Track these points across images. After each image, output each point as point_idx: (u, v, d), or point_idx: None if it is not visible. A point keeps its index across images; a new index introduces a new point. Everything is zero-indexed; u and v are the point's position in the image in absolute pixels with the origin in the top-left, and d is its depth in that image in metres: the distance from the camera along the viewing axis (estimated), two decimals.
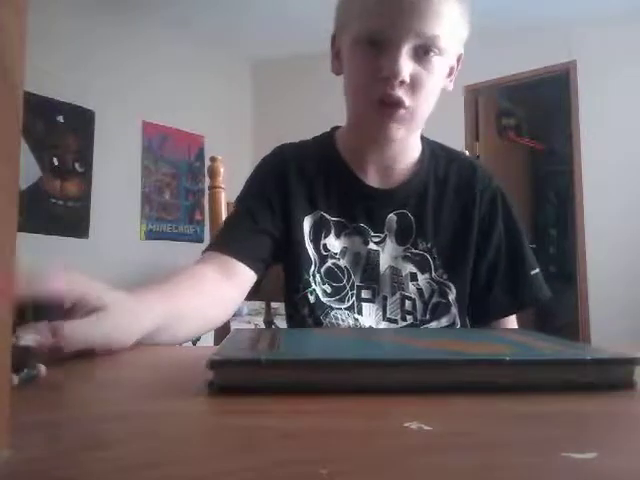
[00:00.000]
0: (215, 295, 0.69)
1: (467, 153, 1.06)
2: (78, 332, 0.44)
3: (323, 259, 0.81)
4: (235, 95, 4.62)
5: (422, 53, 0.72)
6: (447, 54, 0.75)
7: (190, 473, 0.20)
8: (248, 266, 0.76)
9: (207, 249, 0.79)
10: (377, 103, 0.73)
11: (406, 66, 0.71)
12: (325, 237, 0.82)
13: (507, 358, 0.34)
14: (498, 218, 0.84)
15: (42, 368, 0.36)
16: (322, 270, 0.81)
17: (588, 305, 3.68)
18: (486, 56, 3.94)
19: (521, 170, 4.67)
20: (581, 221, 3.76)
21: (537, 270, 0.84)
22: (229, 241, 0.78)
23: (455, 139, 3.76)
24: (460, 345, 0.43)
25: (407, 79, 0.71)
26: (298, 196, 0.83)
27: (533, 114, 4.85)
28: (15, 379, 0.33)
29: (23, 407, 0.28)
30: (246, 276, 0.76)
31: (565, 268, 4.69)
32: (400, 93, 0.72)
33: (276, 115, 4.54)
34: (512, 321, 0.86)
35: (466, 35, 0.79)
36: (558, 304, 4.34)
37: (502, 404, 0.31)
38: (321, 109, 4.45)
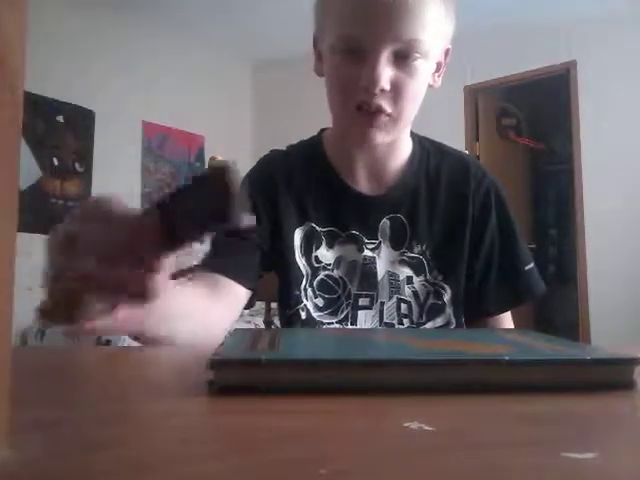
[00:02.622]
0: (202, 320, 0.67)
1: (467, 153, 1.05)
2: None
3: (315, 272, 0.80)
4: (235, 95, 4.63)
5: (403, 58, 0.70)
6: (431, 55, 0.73)
7: (190, 473, 0.20)
8: (240, 283, 0.74)
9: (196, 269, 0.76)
10: (356, 110, 0.72)
11: (385, 73, 0.69)
12: (316, 249, 0.80)
13: (507, 358, 0.34)
14: (492, 213, 0.83)
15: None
16: (314, 283, 0.80)
17: (588, 305, 3.68)
18: (486, 56, 3.94)
19: (521, 170, 4.66)
20: (581, 221, 3.76)
21: (532, 265, 0.83)
22: (218, 259, 0.73)
23: (455, 139, 3.75)
24: (460, 345, 0.43)
25: (387, 87, 0.69)
26: (288, 209, 0.81)
27: (533, 114, 4.85)
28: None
29: (23, 407, 0.28)
30: (238, 294, 0.74)
31: (565, 268, 4.70)
32: (380, 101, 0.70)
33: (276, 115, 4.54)
34: (508, 319, 0.85)
35: (452, 29, 0.76)
36: (558, 304, 4.34)
37: (502, 404, 0.31)
38: (321, 109, 4.43)
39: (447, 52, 0.79)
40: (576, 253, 3.84)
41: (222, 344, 0.39)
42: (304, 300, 0.79)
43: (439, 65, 0.79)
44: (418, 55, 0.70)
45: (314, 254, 0.80)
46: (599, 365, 0.34)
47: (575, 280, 3.86)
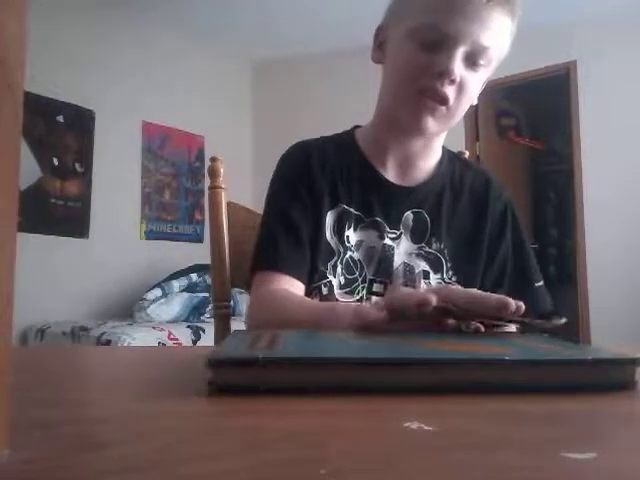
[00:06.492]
0: None
1: (467, 153, 1.06)
2: None
3: (345, 251, 0.83)
4: (235, 95, 4.62)
5: (472, 60, 0.74)
6: (490, 67, 0.77)
7: (190, 473, 0.20)
8: (302, 282, 0.80)
9: (263, 266, 0.80)
10: (419, 94, 0.75)
11: (459, 67, 0.73)
12: (348, 229, 0.83)
13: (507, 358, 0.34)
14: (507, 229, 0.86)
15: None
16: (343, 261, 0.82)
17: (588, 305, 3.68)
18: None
19: (521, 170, 4.66)
20: (581, 221, 3.75)
21: (541, 282, 0.86)
22: (284, 260, 0.79)
23: (455, 139, 3.75)
24: (461, 345, 0.43)
25: (458, 79, 0.74)
26: (321, 191, 0.83)
27: (533, 114, 4.85)
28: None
29: (23, 407, 0.28)
30: (302, 292, 0.80)
31: (565, 268, 4.69)
32: (448, 90, 0.74)
33: (276, 115, 4.54)
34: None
35: (505, 55, 0.81)
36: (558, 305, 4.33)
37: (502, 404, 0.31)
38: (321, 109, 4.46)
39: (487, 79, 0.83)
40: (576, 253, 3.84)
41: (222, 344, 0.39)
42: (329, 276, 0.81)
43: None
44: (483, 63, 0.75)
45: (346, 234, 0.83)
46: (599, 365, 0.34)
47: (575, 280, 3.86)
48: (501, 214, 0.87)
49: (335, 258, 0.82)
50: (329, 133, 0.93)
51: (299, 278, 0.78)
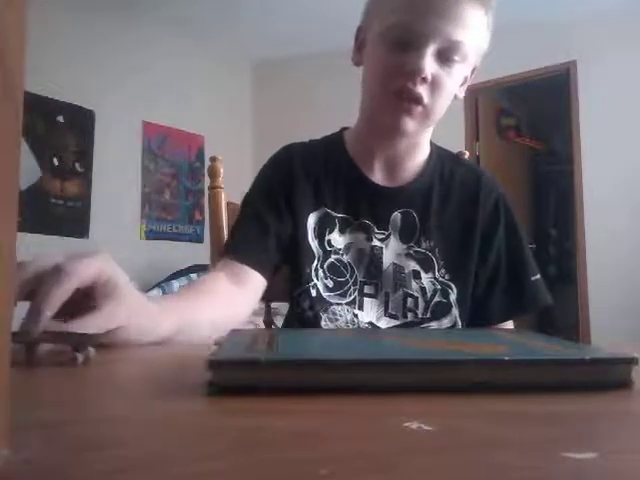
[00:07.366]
0: (227, 304, 0.72)
1: (467, 153, 1.06)
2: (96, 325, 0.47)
3: (327, 254, 0.82)
4: (235, 95, 4.62)
5: (445, 57, 0.74)
6: (467, 62, 0.77)
7: (190, 473, 0.20)
8: (259, 272, 0.79)
9: (222, 256, 0.82)
10: (395, 95, 0.74)
11: (429, 65, 0.73)
12: (329, 233, 0.83)
13: (506, 358, 0.34)
14: (500, 224, 0.85)
15: (92, 350, 0.42)
16: (325, 265, 0.82)
17: (588, 305, 3.68)
18: (486, 56, 3.94)
19: (521, 170, 4.66)
20: (581, 221, 3.76)
21: (538, 276, 0.85)
22: (240, 248, 0.80)
23: (455, 139, 3.75)
24: (459, 345, 0.43)
25: (429, 77, 0.73)
26: (303, 193, 0.84)
27: (533, 114, 4.85)
28: (80, 357, 0.41)
29: (23, 407, 0.28)
30: (258, 283, 0.79)
31: (565, 269, 4.69)
32: (420, 90, 0.74)
33: (276, 115, 4.54)
34: (508, 324, 0.86)
35: (486, 48, 0.80)
36: (558, 305, 4.33)
37: (502, 404, 0.31)
38: (321, 109, 4.46)
39: (474, 69, 0.83)
40: (576, 253, 3.84)
41: (221, 345, 0.39)
42: (314, 279, 0.81)
43: (465, 79, 0.83)
44: (457, 58, 0.75)
45: (327, 238, 0.83)
46: (597, 365, 0.34)
47: (575, 280, 3.86)
48: (493, 209, 0.86)
49: (316, 262, 0.82)
50: (329, 133, 0.93)
51: (253, 266, 0.78)
